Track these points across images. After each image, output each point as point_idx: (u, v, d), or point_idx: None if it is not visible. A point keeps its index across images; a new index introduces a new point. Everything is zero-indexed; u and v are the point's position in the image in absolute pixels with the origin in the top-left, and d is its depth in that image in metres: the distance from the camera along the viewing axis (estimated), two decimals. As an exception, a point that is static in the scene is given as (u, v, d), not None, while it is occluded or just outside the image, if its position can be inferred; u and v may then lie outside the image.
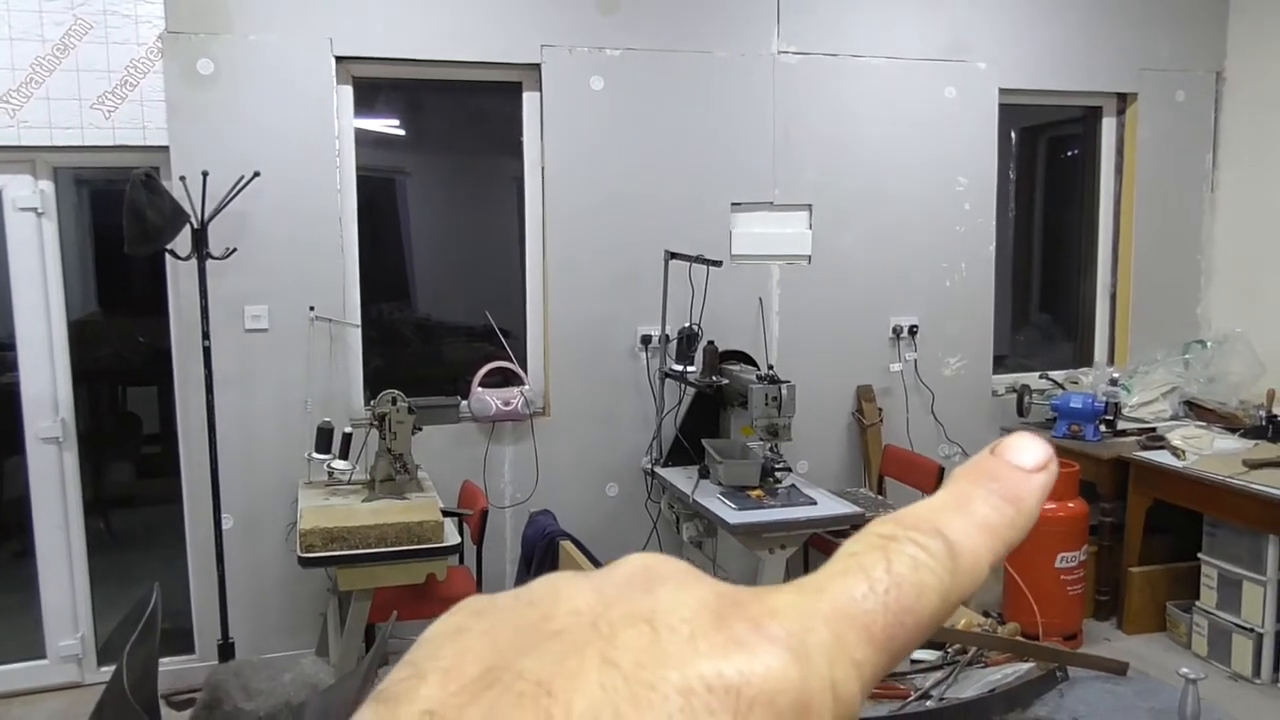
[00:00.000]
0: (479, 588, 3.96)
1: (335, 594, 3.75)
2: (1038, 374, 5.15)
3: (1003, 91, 4.90)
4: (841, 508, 3.85)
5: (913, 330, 4.86)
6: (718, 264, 4.15)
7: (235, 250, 3.86)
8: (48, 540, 4.09)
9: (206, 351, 3.75)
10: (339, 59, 4.07)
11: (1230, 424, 4.76)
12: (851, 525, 3.88)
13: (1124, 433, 4.75)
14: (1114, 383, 4.88)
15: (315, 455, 3.80)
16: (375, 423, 3.74)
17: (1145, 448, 4.56)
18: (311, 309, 4.08)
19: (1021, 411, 4.91)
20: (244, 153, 3.87)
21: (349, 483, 3.80)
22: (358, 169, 4.23)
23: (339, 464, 3.79)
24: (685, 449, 4.32)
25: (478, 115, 4.77)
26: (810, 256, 4.71)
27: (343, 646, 3.47)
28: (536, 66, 4.30)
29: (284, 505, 4.01)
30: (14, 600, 4.23)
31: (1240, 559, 4.15)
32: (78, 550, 4.13)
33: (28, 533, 4.09)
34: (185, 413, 4.01)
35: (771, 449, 4.03)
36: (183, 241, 3.69)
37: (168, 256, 3.79)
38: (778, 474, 4.02)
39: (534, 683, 0.25)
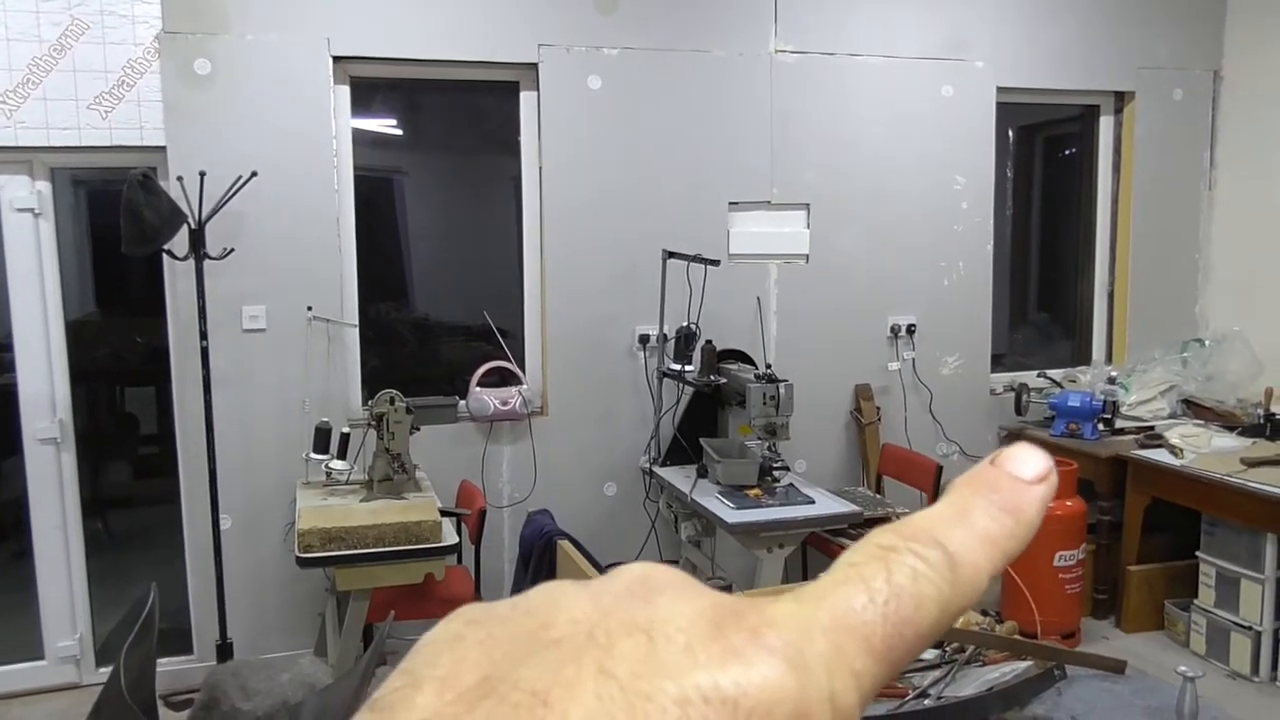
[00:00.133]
0: (477, 587, 3.96)
1: (333, 594, 3.75)
2: (1036, 373, 5.15)
3: (1000, 90, 4.90)
4: (839, 507, 3.85)
5: (911, 329, 4.86)
6: (715, 263, 4.14)
7: (233, 250, 3.86)
8: (46, 541, 4.09)
9: (204, 352, 3.75)
10: (336, 59, 4.07)
11: (1228, 422, 4.76)
12: (850, 524, 3.89)
13: (1122, 431, 4.75)
14: (1112, 381, 4.89)
15: (313, 455, 3.80)
16: (373, 423, 3.74)
17: (1143, 446, 4.56)
18: (309, 309, 4.08)
19: (1019, 410, 4.92)
20: (241, 153, 3.87)
21: (347, 483, 3.80)
22: (355, 169, 4.22)
23: (337, 464, 3.78)
24: (683, 448, 4.32)
25: (475, 115, 4.77)
26: (808, 255, 4.71)
27: (341, 646, 3.47)
28: (534, 66, 4.30)
29: (282, 505, 4.01)
30: (12, 601, 4.23)
31: (1238, 557, 4.15)
32: (76, 551, 4.13)
33: (26, 533, 4.09)
34: (183, 413, 4.01)
35: (769, 448, 4.03)
36: (180, 242, 3.68)
37: (165, 257, 3.79)
38: (776, 473, 4.03)
39: (530, 692, 0.25)
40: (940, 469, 4.38)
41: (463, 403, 4.31)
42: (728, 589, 2.37)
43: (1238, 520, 4.14)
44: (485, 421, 4.34)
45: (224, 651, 3.82)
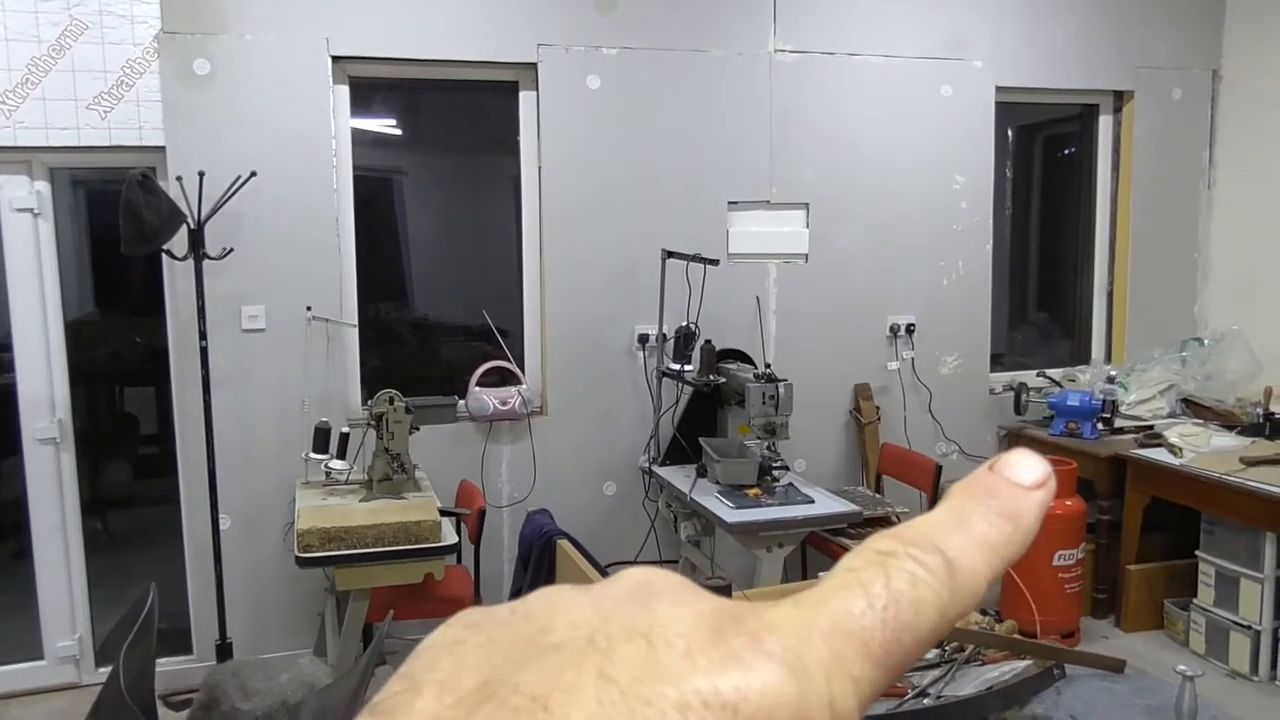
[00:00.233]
0: (476, 587, 3.96)
1: (333, 594, 3.75)
2: (1035, 372, 5.15)
3: (999, 90, 4.90)
4: (839, 506, 3.85)
5: (910, 329, 4.86)
6: (715, 263, 4.15)
7: (232, 250, 3.86)
8: (45, 541, 4.09)
9: (203, 352, 3.75)
10: (335, 59, 4.07)
11: (1227, 421, 4.76)
12: (849, 524, 3.89)
13: (1121, 430, 4.76)
14: (1111, 380, 4.89)
15: (313, 455, 3.80)
16: (373, 422, 3.74)
17: (1143, 445, 4.56)
18: (308, 309, 4.08)
19: (1019, 410, 4.92)
20: (240, 153, 3.87)
21: (346, 483, 3.80)
22: (355, 169, 4.22)
23: (336, 464, 3.78)
24: (683, 448, 4.32)
25: (474, 115, 4.77)
26: (807, 255, 4.71)
27: (340, 646, 3.48)
28: (533, 66, 4.30)
29: (281, 505, 4.01)
30: (11, 601, 4.23)
31: (1238, 556, 4.16)
32: (75, 551, 4.13)
33: (25, 533, 4.09)
34: (182, 413, 4.01)
35: (769, 447, 4.03)
36: (179, 242, 3.68)
37: (164, 257, 3.79)
38: (775, 472, 4.03)
39: (530, 697, 0.25)
40: (939, 468, 4.38)
41: (462, 402, 4.31)
42: (727, 589, 2.37)
43: (1237, 519, 4.14)
44: (485, 421, 4.34)
45: (223, 651, 3.82)
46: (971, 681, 2.02)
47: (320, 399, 4.11)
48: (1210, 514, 4.27)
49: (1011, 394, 4.95)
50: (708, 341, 4.28)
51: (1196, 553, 4.33)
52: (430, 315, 4.81)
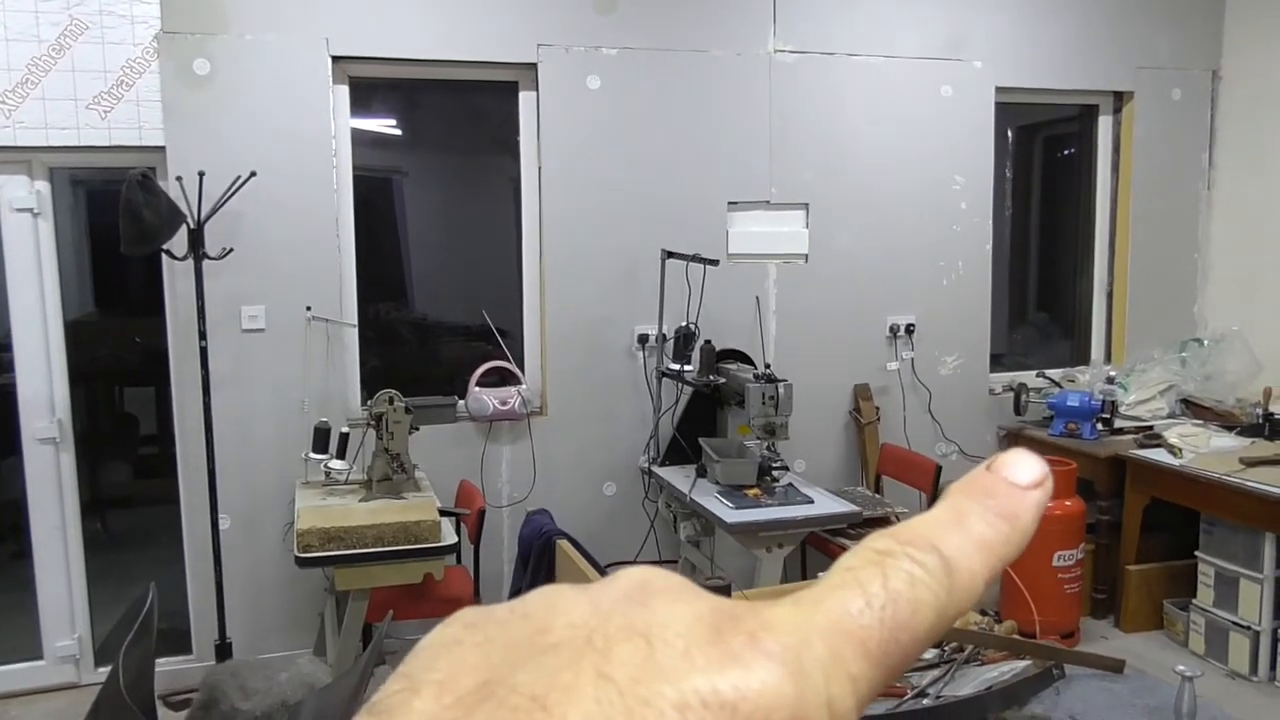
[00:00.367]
0: (476, 587, 3.96)
1: (333, 594, 3.75)
2: (1035, 372, 5.15)
3: (999, 90, 4.90)
4: (839, 506, 3.85)
5: (910, 329, 4.86)
6: (714, 263, 4.15)
7: (232, 250, 3.86)
8: (45, 541, 4.09)
9: (203, 352, 3.75)
10: (335, 58, 4.07)
11: (1227, 422, 4.76)
12: (849, 524, 3.89)
13: (1121, 431, 4.76)
14: (1111, 381, 4.89)
15: (312, 455, 3.80)
16: (372, 422, 3.74)
17: (1142, 446, 4.57)
18: (308, 309, 4.08)
19: (1018, 410, 4.92)
20: (240, 153, 3.87)
21: (346, 483, 3.80)
22: (354, 169, 4.22)
23: (336, 464, 3.78)
24: (683, 448, 4.32)
25: (474, 115, 4.77)
26: (807, 255, 4.71)
27: (340, 646, 3.47)
28: (533, 66, 4.30)
29: (281, 505, 4.01)
30: (11, 601, 4.23)
31: (1237, 556, 4.16)
32: (75, 551, 4.13)
33: (25, 534, 4.09)
34: (182, 413, 4.01)
35: (769, 448, 4.03)
36: (179, 242, 3.68)
37: (164, 257, 3.79)
38: (775, 473, 4.03)
39: (529, 697, 0.25)
40: (939, 469, 4.38)
41: (462, 403, 4.31)
42: (727, 589, 2.37)
43: (1236, 520, 4.14)
44: (484, 421, 4.34)
45: (223, 651, 3.82)
46: (971, 681, 2.02)
47: (320, 399, 4.11)
48: (1210, 514, 4.27)
49: (1011, 394, 4.95)
50: (707, 342, 4.28)
51: (1196, 553, 4.33)
52: (430, 315, 4.81)
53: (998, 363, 5.18)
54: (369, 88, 4.34)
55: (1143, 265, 5.27)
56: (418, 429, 3.79)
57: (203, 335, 3.74)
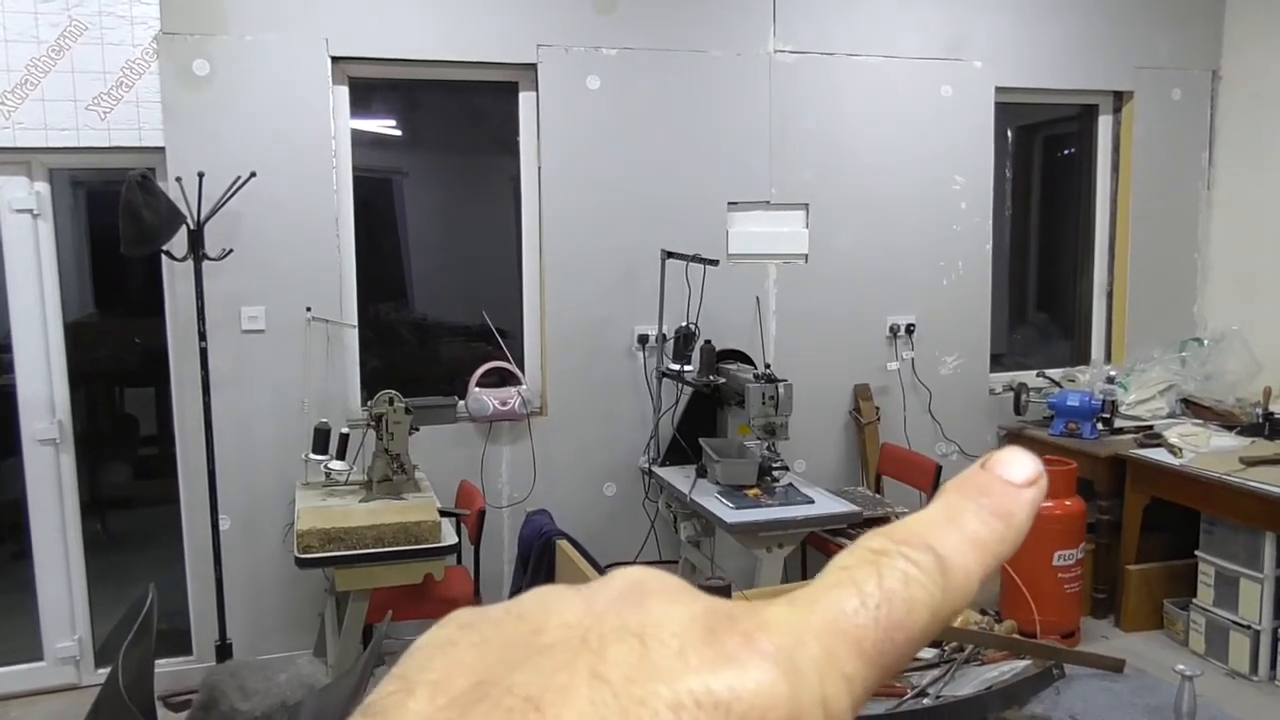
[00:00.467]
0: (476, 588, 3.96)
1: (333, 594, 3.75)
2: (1035, 372, 5.15)
3: (999, 90, 4.90)
4: (839, 506, 3.85)
5: (910, 329, 4.86)
6: (714, 263, 4.15)
7: (231, 251, 3.86)
8: (45, 542, 4.09)
9: (203, 352, 3.75)
10: (335, 59, 4.07)
11: (1227, 422, 4.76)
12: (849, 524, 3.89)
13: (1121, 431, 4.76)
14: (1111, 381, 4.89)
15: (312, 456, 3.80)
16: (372, 423, 3.74)
17: (1142, 445, 4.56)
18: (308, 310, 4.08)
19: (1018, 410, 4.92)
20: (240, 153, 3.87)
21: (346, 483, 3.80)
22: (354, 169, 4.22)
23: (336, 464, 3.78)
24: (683, 448, 4.32)
25: (474, 115, 4.77)
26: (807, 255, 4.71)
27: (340, 647, 3.47)
28: (533, 66, 4.30)
29: (281, 506, 4.01)
30: (11, 602, 4.23)
31: (1237, 556, 4.16)
32: (75, 552, 4.13)
33: (25, 534, 4.09)
34: (182, 414, 4.01)
35: (769, 448, 4.03)
36: (179, 242, 3.68)
37: (164, 258, 3.79)
38: (775, 473, 4.03)
39: (523, 698, 0.25)
40: (939, 469, 4.39)
41: (462, 403, 4.31)
42: (726, 589, 2.37)
43: (1236, 519, 4.14)
44: (484, 422, 4.34)
45: (223, 652, 3.82)
46: (971, 681, 2.02)
47: (320, 400, 4.11)
48: (1210, 514, 4.27)
49: (1011, 394, 4.95)
50: (707, 342, 4.28)
51: (1196, 553, 4.33)
52: (430, 316, 4.81)
53: (998, 363, 5.18)
54: (369, 88, 4.34)
55: (1143, 265, 5.27)
56: (418, 429, 3.79)
57: (203, 336, 3.74)
